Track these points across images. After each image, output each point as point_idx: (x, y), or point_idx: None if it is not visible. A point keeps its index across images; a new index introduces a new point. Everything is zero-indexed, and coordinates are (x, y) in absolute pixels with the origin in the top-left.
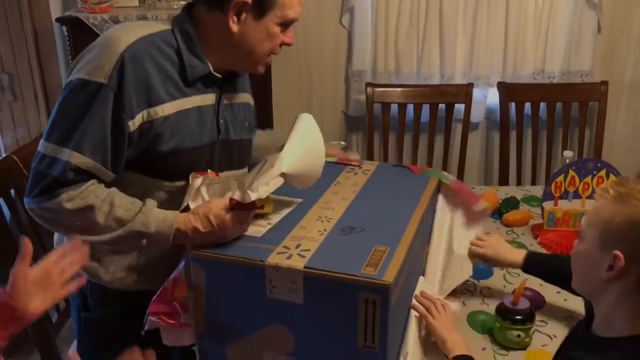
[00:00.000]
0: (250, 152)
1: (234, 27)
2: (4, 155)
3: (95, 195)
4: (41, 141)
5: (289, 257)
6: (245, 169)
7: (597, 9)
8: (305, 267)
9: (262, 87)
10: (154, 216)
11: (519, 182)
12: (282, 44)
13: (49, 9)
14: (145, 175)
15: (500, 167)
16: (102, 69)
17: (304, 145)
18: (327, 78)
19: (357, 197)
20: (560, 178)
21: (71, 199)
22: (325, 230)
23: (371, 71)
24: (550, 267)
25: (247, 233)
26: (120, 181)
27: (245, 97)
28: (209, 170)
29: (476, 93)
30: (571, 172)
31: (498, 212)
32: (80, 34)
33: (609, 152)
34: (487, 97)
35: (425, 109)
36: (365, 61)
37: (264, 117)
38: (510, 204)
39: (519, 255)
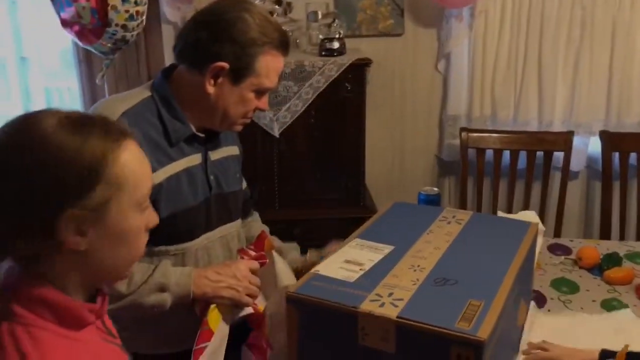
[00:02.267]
0: (240, 203)
1: (210, 89)
2: None
3: None
4: None
5: (382, 305)
6: (239, 221)
7: None
8: (398, 317)
9: (355, 130)
10: (171, 269)
11: (621, 237)
12: (257, 109)
13: (163, 56)
14: (155, 245)
15: (602, 220)
16: None
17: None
18: (420, 122)
19: (451, 247)
20: None
21: None
22: (417, 280)
23: (466, 116)
24: None
25: (339, 277)
26: None
27: (232, 150)
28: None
29: (577, 141)
30: None
31: (598, 268)
32: None
33: None
34: (589, 146)
35: (522, 155)
36: (460, 106)
37: (355, 158)
38: (612, 260)
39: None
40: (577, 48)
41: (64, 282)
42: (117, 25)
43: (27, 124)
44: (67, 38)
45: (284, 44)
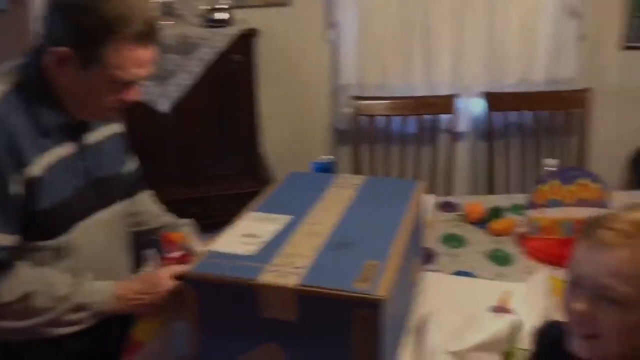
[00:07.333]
0: (124, 184)
1: (56, 74)
2: None
3: (30, 278)
4: None
5: (281, 275)
6: (125, 202)
7: (578, 17)
8: (297, 285)
9: (247, 102)
10: (94, 286)
11: (507, 192)
12: (124, 101)
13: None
14: (29, 240)
15: (488, 177)
16: None
17: None
18: (314, 92)
19: (346, 212)
20: (544, 186)
21: (11, 289)
22: (315, 246)
23: (358, 85)
24: None
25: (237, 252)
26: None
27: (112, 128)
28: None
29: (462, 103)
30: (555, 181)
31: (484, 221)
32: None
33: (596, 159)
34: (473, 107)
35: (411, 120)
36: (351, 75)
37: (248, 131)
38: (495, 213)
39: None
40: (460, 14)
41: None
42: None
43: None
44: None
45: (144, 35)
